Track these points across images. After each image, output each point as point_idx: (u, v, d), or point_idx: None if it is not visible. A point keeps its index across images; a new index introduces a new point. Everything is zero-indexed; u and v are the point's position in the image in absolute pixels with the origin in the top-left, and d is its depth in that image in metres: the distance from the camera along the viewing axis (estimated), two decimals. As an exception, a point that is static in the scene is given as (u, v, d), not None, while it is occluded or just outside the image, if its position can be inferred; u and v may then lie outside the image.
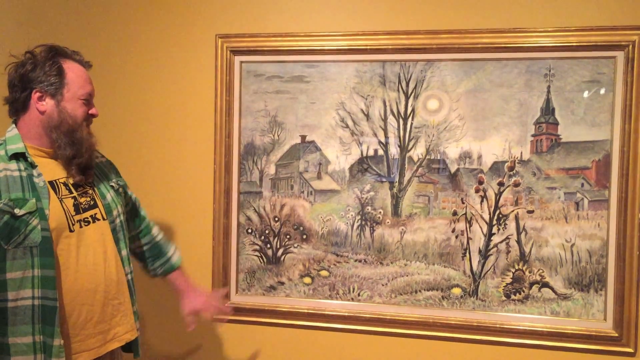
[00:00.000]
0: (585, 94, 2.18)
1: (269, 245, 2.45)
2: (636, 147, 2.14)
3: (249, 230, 2.47)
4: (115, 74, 2.51)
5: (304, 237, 2.42)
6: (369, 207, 2.36)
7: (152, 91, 2.50)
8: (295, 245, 2.43)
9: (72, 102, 1.70)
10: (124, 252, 1.84)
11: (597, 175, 2.20)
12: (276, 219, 2.44)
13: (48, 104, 1.67)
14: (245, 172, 2.45)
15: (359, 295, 2.38)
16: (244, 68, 2.43)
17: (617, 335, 2.18)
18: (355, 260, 2.38)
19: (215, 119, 2.43)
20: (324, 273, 2.41)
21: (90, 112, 1.77)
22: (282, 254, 2.44)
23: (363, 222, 2.37)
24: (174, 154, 2.49)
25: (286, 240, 2.44)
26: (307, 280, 2.42)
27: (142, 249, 2.09)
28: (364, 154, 2.36)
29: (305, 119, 2.39)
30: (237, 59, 2.42)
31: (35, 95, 1.66)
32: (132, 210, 2.08)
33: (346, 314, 2.37)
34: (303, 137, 2.40)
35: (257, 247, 2.46)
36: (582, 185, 2.21)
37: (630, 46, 2.12)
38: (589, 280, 2.22)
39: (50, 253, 1.60)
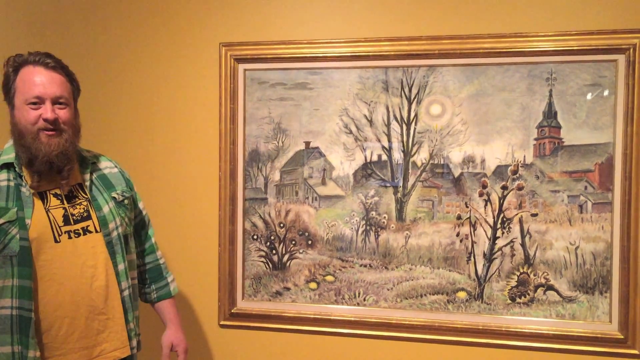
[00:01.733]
0: (589, 96, 2.19)
1: (274, 251, 2.47)
2: (639, 150, 2.15)
3: (255, 237, 2.48)
4: (120, 83, 2.53)
5: (309, 242, 2.44)
6: (374, 212, 2.38)
7: (156, 99, 2.52)
8: (301, 250, 2.45)
9: (21, 108, 1.66)
10: (121, 267, 1.79)
11: (600, 178, 2.21)
12: (281, 225, 2.46)
13: (10, 114, 1.70)
14: (250, 179, 2.47)
15: (364, 300, 2.39)
16: (247, 76, 2.45)
17: (622, 337, 2.19)
18: (361, 265, 2.39)
19: (220, 126, 2.45)
20: (329, 278, 2.42)
21: (42, 116, 1.65)
22: (288, 260, 2.46)
23: (368, 227, 2.38)
24: (179, 162, 2.51)
25: (291, 246, 2.45)
26: (313, 285, 2.44)
27: (143, 268, 2.06)
28: (368, 160, 2.38)
29: (309, 126, 2.41)
30: (241, 66, 2.44)
31: (8, 107, 1.71)
32: (140, 224, 2.05)
33: (352, 318, 2.39)
34: (307, 144, 2.42)
35: (263, 253, 2.48)
36: (586, 188, 2.22)
37: (631, 49, 2.14)
38: (593, 283, 2.22)
39: (29, 263, 1.59)
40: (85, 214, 1.74)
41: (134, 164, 2.52)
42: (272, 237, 2.47)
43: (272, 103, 2.44)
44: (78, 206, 1.74)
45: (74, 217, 1.71)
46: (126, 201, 1.91)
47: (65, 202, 1.71)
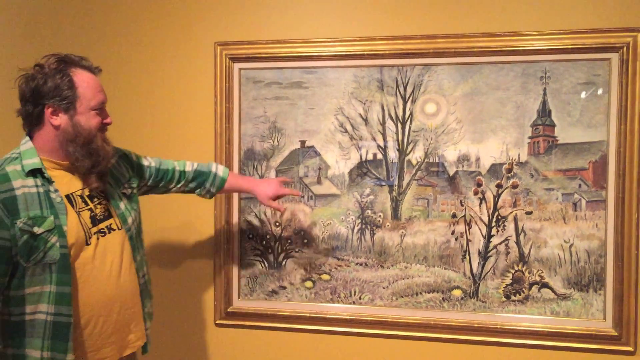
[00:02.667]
0: (583, 95, 2.20)
1: (270, 250, 2.47)
2: (632, 148, 2.16)
3: (250, 236, 2.48)
4: (115, 82, 2.53)
5: (305, 241, 2.44)
6: (369, 211, 2.38)
7: (152, 99, 2.52)
8: (296, 249, 2.45)
9: (85, 114, 1.67)
10: (139, 257, 1.84)
11: (594, 175, 2.22)
12: (277, 223, 2.46)
13: (62, 118, 1.64)
14: (246, 178, 2.47)
15: (360, 298, 2.40)
16: (243, 75, 2.45)
17: (616, 334, 2.20)
18: (356, 264, 2.40)
19: (215, 125, 2.45)
20: (325, 277, 2.43)
21: (104, 121, 1.74)
22: (284, 259, 2.46)
23: (363, 226, 2.39)
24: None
25: (287, 244, 2.46)
26: (309, 284, 2.44)
27: (188, 186, 2.14)
28: (363, 158, 2.38)
29: (305, 125, 2.41)
30: (236, 66, 2.44)
31: (48, 111, 1.63)
32: (160, 173, 2.07)
33: (348, 317, 2.39)
34: (302, 143, 2.42)
35: (259, 252, 2.48)
36: (580, 186, 2.23)
37: (625, 48, 2.15)
38: (588, 280, 2.24)
39: (67, 270, 1.61)
40: (106, 213, 1.76)
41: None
42: (268, 236, 2.47)
43: (268, 102, 2.44)
44: (99, 206, 1.75)
45: (98, 217, 1.73)
46: (134, 191, 1.93)
47: (89, 202, 1.73)
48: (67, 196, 1.67)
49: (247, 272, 2.49)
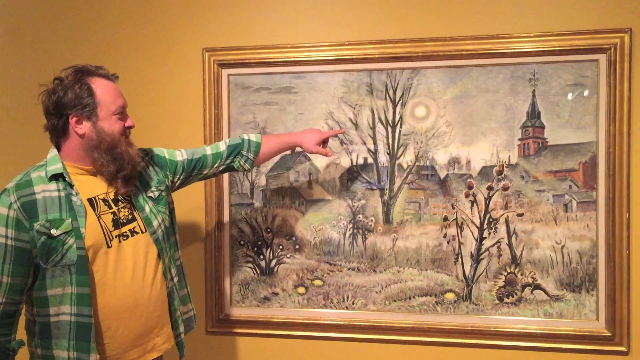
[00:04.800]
0: (572, 96, 2.21)
1: (261, 257, 2.46)
2: (622, 148, 2.17)
3: (242, 242, 2.47)
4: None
5: (297, 247, 2.43)
6: (361, 215, 2.37)
7: (139, 106, 2.49)
8: (288, 255, 2.44)
9: (107, 119, 1.72)
10: (167, 260, 1.85)
11: (584, 176, 2.23)
12: (268, 229, 2.45)
13: (85, 126, 1.69)
14: (236, 184, 2.46)
15: (353, 303, 2.39)
16: (231, 81, 2.44)
17: (609, 334, 2.21)
18: (349, 269, 2.39)
19: (205, 132, 2.44)
20: (317, 282, 2.42)
21: (126, 124, 1.79)
22: (276, 265, 2.45)
23: (355, 231, 2.38)
24: (164, 168, 2.49)
25: (279, 250, 2.44)
26: (301, 290, 2.43)
27: (225, 163, 2.09)
28: (354, 163, 2.38)
29: (295, 130, 2.40)
30: (225, 72, 2.43)
31: (72, 120, 1.68)
32: (192, 163, 2.05)
33: (341, 322, 2.38)
34: (293, 148, 2.41)
35: (250, 259, 2.47)
36: (570, 187, 2.23)
37: (612, 49, 2.16)
38: (580, 281, 2.24)
39: (86, 271, 1.63)
40: (130, 217, 1.78)
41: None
42: (259, 243, 2.46)
43: (257, 108, 2.43)
44: (123, 209, 1.77)
45: (121, 221, 1.75)
46: (163, 193, 1.93)
47: (113, 206, 1.75)
48: (90, 200, 1.70)
49: (238, 279, 2.47)
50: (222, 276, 2.47)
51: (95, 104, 1.69)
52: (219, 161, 2.09)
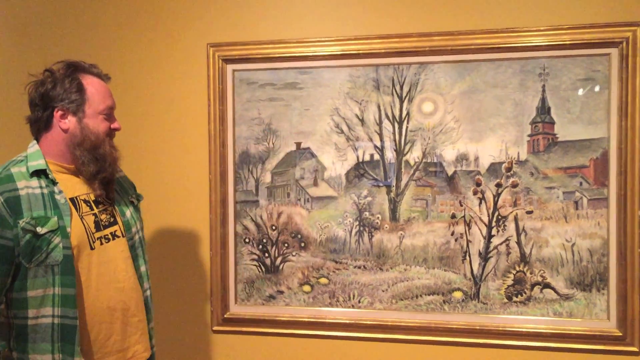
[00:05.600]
0: (583, 91, 2.16)
1: (267, 254, 2.43)
2: (634, 144, 2.12)
3: (247, 240, 2.44)
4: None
5: (302, 244, 2.40)
6: (367, 213, 2.34)
7: (144, 102, 2.48)
8: (294, 253, 2.41)
9: (94, 118, 1.69)
10: (143, 268, 1.85)
11: (595, 173, 2.18)
12: (273, 227, 2.42)
13: (70, 121, 1.67)
14: (241, 181, 2.43)
15: (359, 302, 2.36)
16: (236, 76, 2.41)
17: (621, 334, 2.16)
18: (355, 267, 2.36)
19: (209, 128, 2.41)
20: (323, 280, 2.39)
21: (112, 126, 1.77)
22: (281, 263, 2.42)
23: (361, 228, 2.35)
24: (169, 165, 2.47)
25: (284, 248, 2.42)
26: (307, 288, 2.40)
27: None
28: (360, 159, 2.34)
29: (300, 126, 2.37)
30: (230, 67, 2.40)
31: (57, 114, 1.66)
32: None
33: (347, 321, 2.35)
34: (298, 144, 2.38)
35: (255, 257, 2.44)
36: (581, 184, 2.19)
37: (624, 43, 2.11)
38: (590, 280, 2.20)
39: (71, 271, 1.59)
40: (111, 219, 1.76)
41: (122, 168, 2.48)
42: (265, 240, 2.43)
43: (262, 104, 2.40)
44: (104, 212, 1.75)
45: (103, 223, 1.72)
46: (139, 205, 1.96)
47: (94, 207, 1.72)
48: (72, 199, 1.67)
49: (243, 277, 2.45)
50: (227, 274, 2.44)
51: (83, 100, 1.67)
52: None
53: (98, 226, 1.70)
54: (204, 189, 2.43)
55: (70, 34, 2.53)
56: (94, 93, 1.69)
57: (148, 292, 1.86)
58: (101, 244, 1.69)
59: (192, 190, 2.45)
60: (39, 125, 1.69)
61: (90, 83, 1.70)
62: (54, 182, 1.64)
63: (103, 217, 1.73)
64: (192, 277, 2.48)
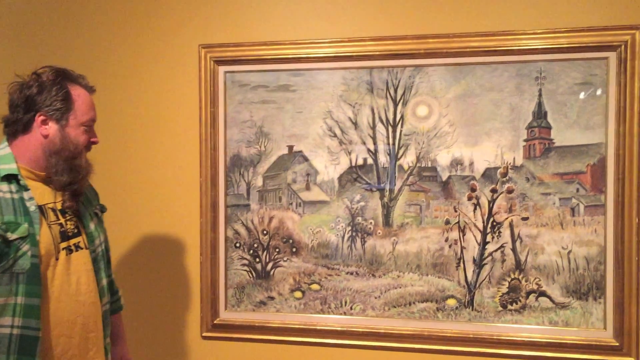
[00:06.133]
0: (580, 95, 2.12)
1: (258, 260, 2.39)
2: (632, 150, 2.08)
3: (237, 245, 2.40)
4: (97, 86, 2.41)
5: (294, 250, 2.36)
6: (360, 218, 2.30)
7: (134, 103, 2.44)
8: (285, 258, 2.37)
9: (75, 128, 1.68)
10: (104, 282, 1.81)
11: (592, 179, 2.14)
12: (265, 232, 2.38)
13: (52, 128, 1.64)
14: (232, 185, 2.39)
15: (351, 308, 2.32)
16: (228, 78, 2.37)
17: (617, 344, 2.12)
18: (347, 273, 2.31)
19: (200, 130, 2.37)
20: (315, 287, 2.34)
21: (91, 139, 1.75)
22: (272, 268, 2.38)
23: (354, 234, 2.31)
24: (159, 168, 2.43)
25: (275, 253, 2.37)
26: (298, 294, 2.36)
27: None
28: (353, 163, 2.30)
29: (292, 129, 2.33)
30: (221, 69, 2.36)
31: (39, 119, 1.63)
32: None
33: (339, 328, 2.31)
34: (290, 148, 2.34)
35: (246, 262, 2.40)
36: (578, 190, 2.15)
37: (623, 46, 2.07)
38: (587, 288, 2.15)
39: (38, 281, 1.55)
40: (75, 230, 1.72)
41: (112, 171, 2.45)
42: (256, 245, 2.39)
43: (254, 106, 2.36)
44: (69, 222, 1.71)
45: (68, 233, 1.69)
46: (102, 217, 1.92)
47: (60, 217, 1.69)
48: (40, 207, 1.63)
49: (234, 282, 2.40)
50: (217, 279, 2.40)
51: (67, 110, 1.66)
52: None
53: (64, 236, 1.67)
54: (194, 192, 2.39)
55: (60, 34, 2.50)
56: (80, 104, 1.69)
57: (107, 307, 1.82)
58: (66, 254, 1.66)
59: (183, 194, 2.41)
60: (17, 127, 1.65)
61: (77, 94, 1.69)
62: (25, 188, 1.61)
63: (68, 226, 1.70)
64: (182, 282, 2.43)
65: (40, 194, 1.65)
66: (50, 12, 2.50)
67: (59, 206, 1.69)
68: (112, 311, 1.97)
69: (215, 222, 2.39)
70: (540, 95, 2.15)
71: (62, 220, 1.68)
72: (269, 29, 2.34)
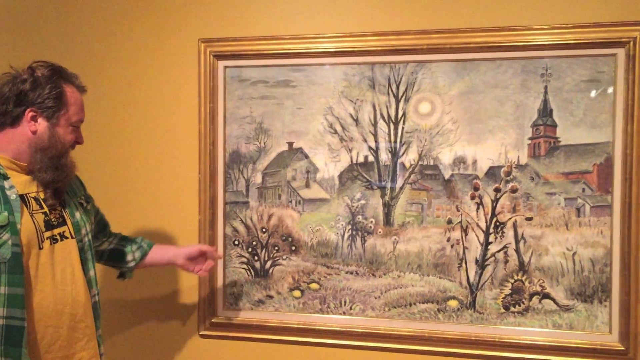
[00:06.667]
0: (587, 93, 2.06)
1: (256, 258, 2.35)
2: (639, 149, 2.02)
3: (236, 242, 2.37)
4: (95, 80, 2.40)
5: (293, 248, 2.32)
6: (360, 216, 2.26)
7: (133, 99, 2.41)
8: (284, 257, 2.33)
9: (65, 127, 1.67)
10: (92, 273, 1.78)
11: (598, 179, 2.08)
12: (264, 229, 2.34)
13: (41, 125, 1.63)
14: (231, 182, 2.35)
15: (350, 308, 2.28)
16: (228, 73, 2.33)
17: (623, 348, 2.06)
18: (347, 272, 2.27)
19: (199, 126, 2.34)
20: (314, 286, 2.30)
21: (77, 140, 1.75)
22: (271, 267, 2.34)
23: (354, 232, 2.27)
24: (158, 164, 2.40)
25: (274, 251, 2.34)
26: (297, 293, 2.32)
27: (113, 244, 2.05)
28: (354, 161, 2.26)
29: (292, 125, 2.29)
30: (221, 63, 2.33)
31: (28, 114, 1.62)
32: (101, 222, 2.04)
33: (338, 328, 2.27)
34: (290, 144, 2.30)
35: (245, 260, 2.36)
36: (583, 190, 2.09)
37: (631, 43, 2.01)
38: (592, 291, 2.10)
39: (20, 270, 1.53)
40: (60, 220, 1.70)
41: (109, 166, 2.42)
42: (254, 243, 2.35)
43: (254, 102, 2.32)
44: (54, 211, 1.69)
45: (52, 223, 1.67)
46: (89, 206, 1.90)
47: (44, 206, 1.66)
48: (21, 196, 1.61)
49: (232, 281, 2.37)
50: (215, 277, 2.37)
51: (60, 109, 1.65)
52: (111, 237, 2.06)
53: (48, 225, 1.65)
54: (193, 189, 2.36)
55: (59, 28, 2.47)
56: (72, 104, 1.68)
57: (97, 298, 1.80)
58: (50, 244, 1.63)
59: (181, 190, 2.38)
60: (5, 120, 1.63)
61: (71, 93, 1.69)
62: (5, 177, 1.59)
63: (52, 216, 1.67)
64: (180, 279, 2.40)
65: (23, 184, 1.64)
66: (48, 7, 2.47)
67: (42, 195, 1.67)
68: (143, 252, 2.05)
69: (213, 219, 2.35)
70: (546, 92, 2.10)
71: (46, 209, 1.66)
72: (269, 24, 2.30)
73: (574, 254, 2.11)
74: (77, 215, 1.76)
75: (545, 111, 2.10)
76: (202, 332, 2.38)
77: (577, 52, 2.07)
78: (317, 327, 2.29)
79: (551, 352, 2.11)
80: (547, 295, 2.13)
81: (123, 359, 2.45)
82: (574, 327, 2.11)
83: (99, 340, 1.80)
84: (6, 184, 1.58)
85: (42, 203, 1.66)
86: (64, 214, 1.72)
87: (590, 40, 2.04)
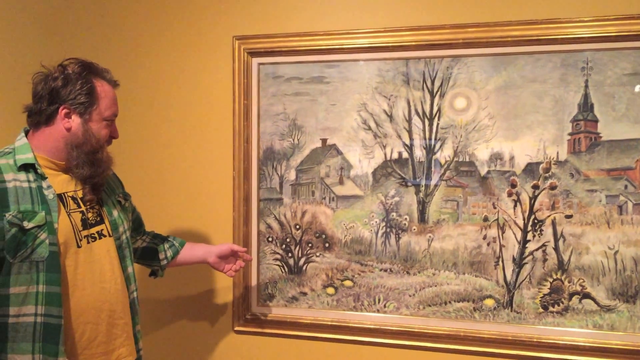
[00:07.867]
0: (638, 88, 2.00)
1: (290, 254, 2.35)
2: (686, 145, 1.95)
3: (270, 239, 2.37)
4: (131, 78, 2.44)
5: (327, 245, 2.31)
6: (394, 214, 2.23)
7: (168, 96, 2.44)
8: (318, 254, 2.32)
9: (98, 122, 1.68)
10: (130, 269, 1.80)
11: (642, 176, 2.02)
12: (297, 226, 2.34)
13: (75, 121, 1.64)
14: (265, 178, 2.36)
15: (385, 306, 2.26)
16: (261, 70, 2.34)
17: (667, 351, 2.00)
18: (381, 270, 2.26)
19: (234, 123, 2.35)
20: (347, 283, 2.29)
21: (112, 134, 1.76)
22: (304, 263, 2.34)
23: (388, 229, 2.24)
24: (192, 161, 2.42)
25: (308, 248, 2.33)
26: (331, 290, 2.31)
27: (146, 242, 2.07)
28: (388, 157, 2.24)
29: (326, 122, 2.28)
30: (255, 60, 2.33)
31: (62, 111, 1.62)
32: (137, 220, 2.06)
33: (372, 326, 2.26)
34: (324, 141, 2.30)
35: (278, 256, 2.37)
36: (626, 187, 2.03)
37: (677, 34, 1.94)
38: (635, 291, 2.04)
39: (57, 269, 1.55)
40: (98, 218, 1.72)
41: (145, 164, 2.46)
42: (288, 240, 2.35)
43: (287, 98, 2.32)
44: (92, 210, 1.71)
45: (90, 221, 1.69)
46: (127, 204, 1.92)
47: (82, 205, 1.69)
48: (59, 195, 1.63)
49: (266, 277, 2.38)
50: (249, 274, 2.38)
51: (92, 104, 1.65)
52: (144, 235, 2.09)
53: (85, 224, 1.66)
54: (227, 186, 2.37)
55: (92, 25, 2.51)
56: (103, 98, 1.68)
57: (135, 294, 1.82)
58: (88, 242, 1.65)
59: (216, 188, 2.40)
60: (40, 118, 1.64)
61: (102, 88, 1.68)
62: (43, 177, 1.61)
63: (90, 215, 1.69)
64: (215, 275, 2.42)
65: (60, 183, 1.66)
66: (83, 7, 2.52)
67: (79, 194, 1.69)
68: (175, 250, 2.07)
69: (247, 216, 2.36)
70: (586, 86, 2.04)
71: (83, 208, 1.68)
72: (302, 20, 2.29)
73: (616, 252, 2.04)
74: (115, 213, 1.78)
75: (586, 106, 2.05)
76: (236, 328, 2.40)
77: (620, 44, 2.00)
78: (351, 325, 2.28)
79: (591, 353, 2.05)
80: (587, 295, 2.07)
81: (160, 354, 2.48)
82: (615, 328, 2.05)
83: (138, 336, 1.82)
84: (44, 184, 1.60)
85: (80, 202, 1.68)
86: (102, 212, 1.74)
87: (633, 33, 1.98)
